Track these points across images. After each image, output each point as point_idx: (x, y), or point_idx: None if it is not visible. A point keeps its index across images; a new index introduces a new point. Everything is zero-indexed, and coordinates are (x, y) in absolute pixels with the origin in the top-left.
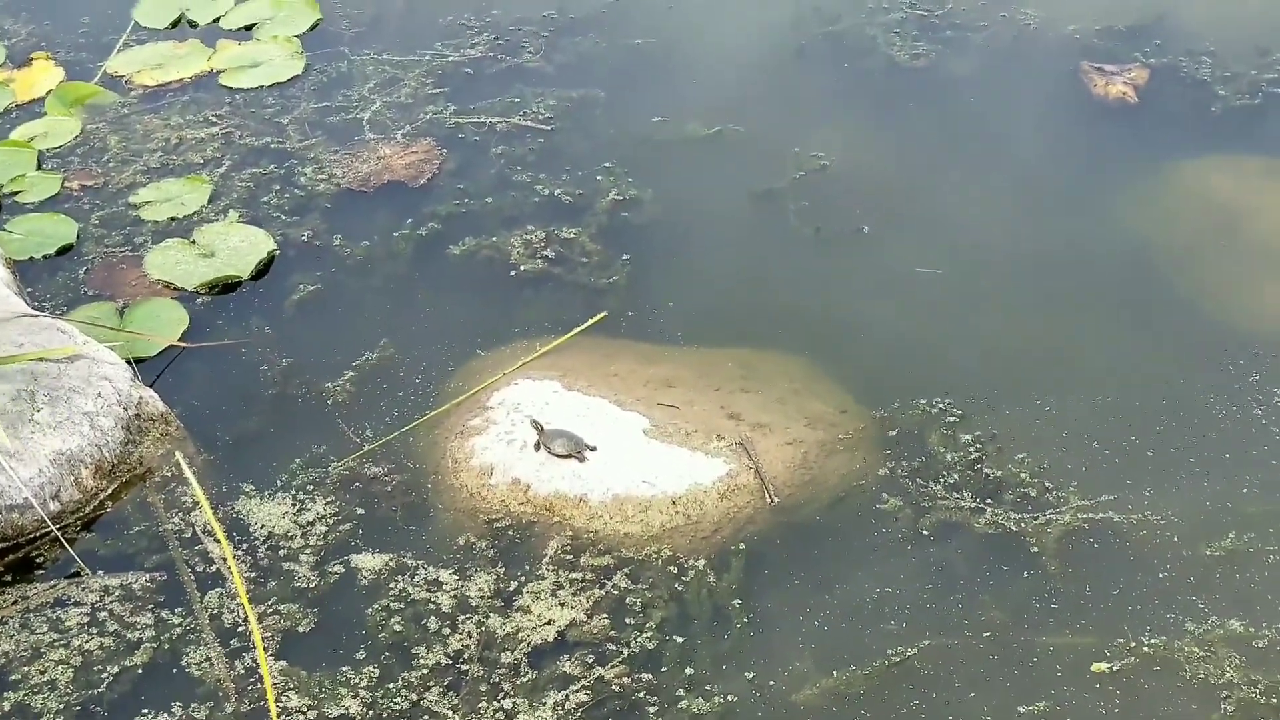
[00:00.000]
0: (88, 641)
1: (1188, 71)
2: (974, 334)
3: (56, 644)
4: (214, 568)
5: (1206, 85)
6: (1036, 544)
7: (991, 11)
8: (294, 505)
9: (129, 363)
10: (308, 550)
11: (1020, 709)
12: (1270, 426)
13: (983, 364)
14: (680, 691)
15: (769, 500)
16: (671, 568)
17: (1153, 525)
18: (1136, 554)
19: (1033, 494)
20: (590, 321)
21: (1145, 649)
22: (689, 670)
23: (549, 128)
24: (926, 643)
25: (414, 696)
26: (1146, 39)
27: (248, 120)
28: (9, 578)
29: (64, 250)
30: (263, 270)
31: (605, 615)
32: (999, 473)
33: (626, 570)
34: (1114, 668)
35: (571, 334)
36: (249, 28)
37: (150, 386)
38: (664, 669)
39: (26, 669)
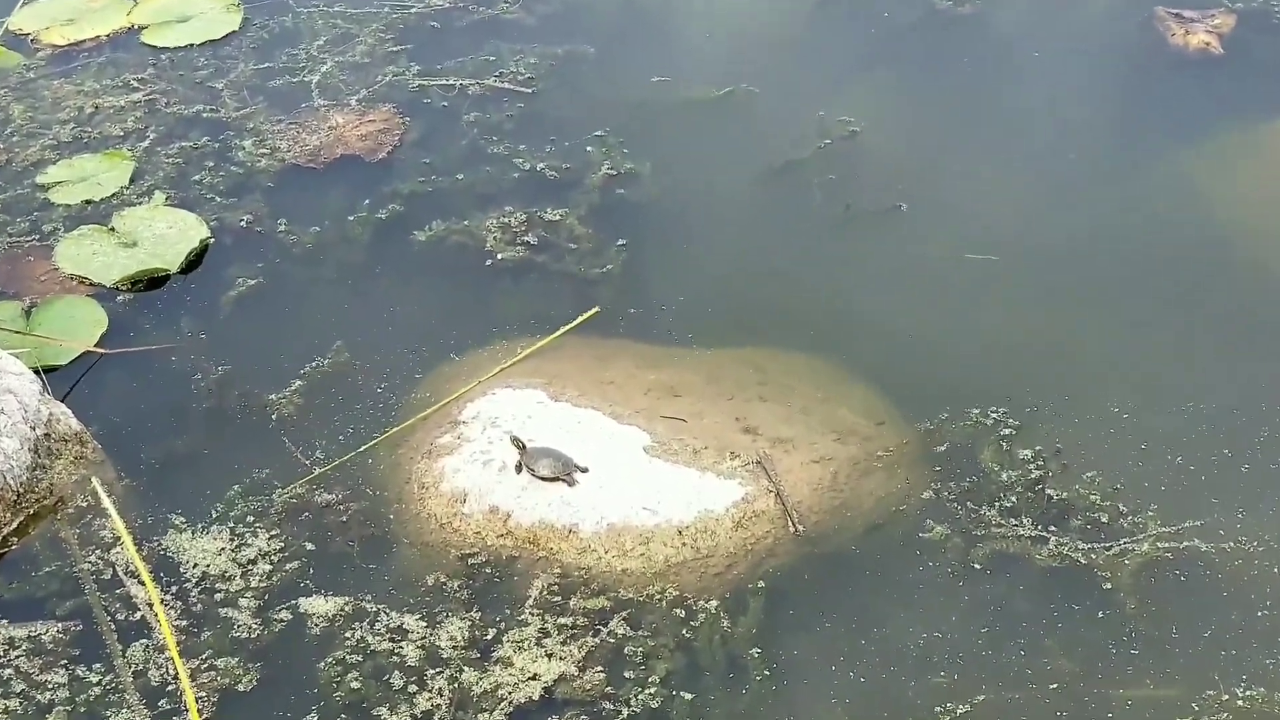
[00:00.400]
0: None
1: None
2: (1033, 331)
3: None
4: (139, 615)
5: None
6: (1110, 579)
7: None
8: (232, 540)
9: (37, 372)
10: (249, 593)
11: None
12: None
13: (1044, 366)
14: None
15: (793, 529)
16: (678, 610)
17: (1248, 555)
18: (1229, 589)
19: (1105, 520)
20: (580, 319)
21: (1240, 703)
22: None
23: (530, 90)
24: (982, 698)
25: None
26: None
27: (175, 85)
28: None
29: None
30: (194, 262)
31: (600, 668)
32: (1064, 494)
33: (625, 614)
34: (1208, 717)
35: (559, 333)
36: None
37: (63, 400)
38: None
39: None
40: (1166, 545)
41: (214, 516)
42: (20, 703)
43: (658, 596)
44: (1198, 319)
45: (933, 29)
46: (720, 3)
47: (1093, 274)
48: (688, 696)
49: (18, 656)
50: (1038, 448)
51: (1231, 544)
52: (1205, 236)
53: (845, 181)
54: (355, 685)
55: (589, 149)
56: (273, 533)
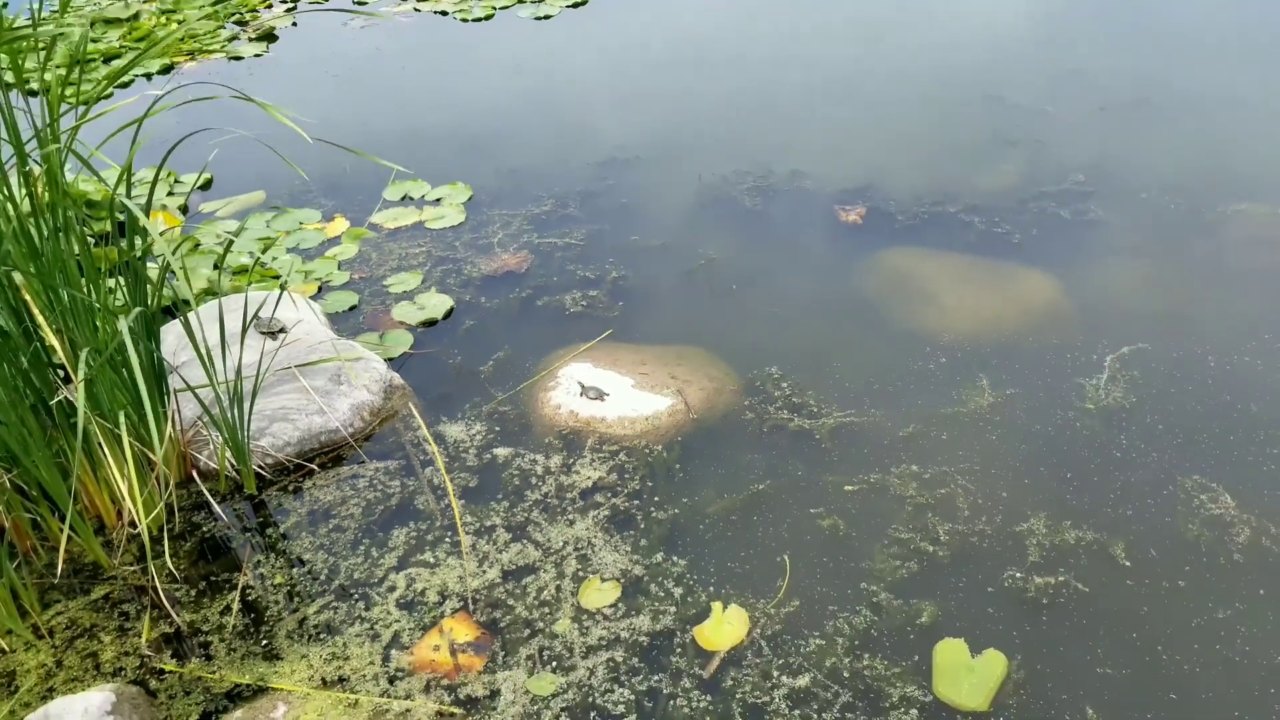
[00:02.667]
0: (368, 494)
1: (884, 208)
2: (796, 337)
3: (352, 496)
4: (428, 458)
5: (893, 215)
6: (819, 434)
7: (791, 181)
8: (466, 427)
9: (386, 361)
10: (473, 448)
11: (811, 510)
12: (937, 372)
13: (795, 353)
14: (652, 509)
15: (692, 416)
16: (646, 450)
17: (876, 422)
18: (867, 437)
19: (815, 408)
20: (603, 335)
21: (871, 480)
22: (656, 498)
23: (582, 243)
24: (768, 482)
25: (524, 515)
26: (865, 193)
27: (438, 244)
28: (329, 466)
29: (352, 308)
30: (448, 315)
31: (615, 474)
32: (799, 400)
33: (624, 452)
34: (856, 489)
35: (594, 342)
36: (438, 200)
37: (396, 372)
38: (644, 498)
39: (340, 508)
40: (844, 419)
41: (458, 417)
42: (381, 493)
43: (639, 444)
44: (858, 336)
45: (743, 215)
46: (658, 207)
47: (812, 317)
48: (650, 484)
49: (379, 475)
50: (789, 382)
51: (868, 418)
52: (856, 303)
53: (710, 278)
54: (516, 483)
55: (606, 265)
56: (481, 424)
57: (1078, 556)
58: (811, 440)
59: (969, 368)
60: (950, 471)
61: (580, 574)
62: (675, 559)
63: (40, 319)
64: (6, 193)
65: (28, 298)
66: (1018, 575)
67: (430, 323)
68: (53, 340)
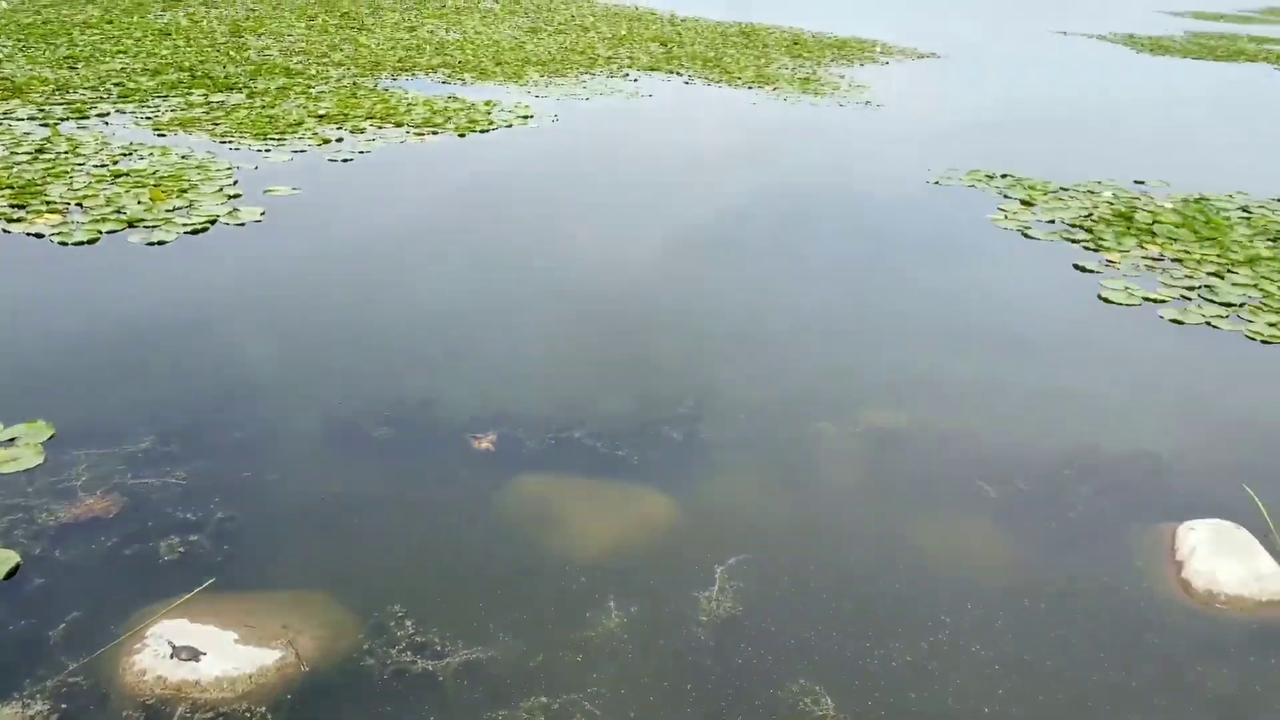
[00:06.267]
0: None
1: (515, 434)
2: (419, 574)
3: None
4: None
5: (523, 440)
6: (442, 675)
7: (422, 411)
8: (23, 709)
9: None
10: None
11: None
12: (568, 596)
13: (422, 589)
14: None
15: (303, 669)
16: (248, 713)
17: (505, 655)
18: (494, 671)
19: (441, 648)
20: (204, 585)
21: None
22: None
23: (184, 483)
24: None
25: None
26: (496, 421)
27: (6, 491)
28: None
29: None
30: (11, 574)
31: None
32: (423, 639)
33: (223, 718)
34: None
35: (193, 593)
36: (11, 441)
37: None
38: None
39: None
40: (470, 655)
41: (13, 698)
42: None
43: (239, 708)
44: (500, 567)
45: (370, 443)
46: (278, 445)
47: (443, 549)
48: None
49: None
50: (414, 620)
51: (499, 648)
52: (496, 533)
53: (334, 516)
54: None
55: (211, 506)
56: (44, 702)
57: None
58: (435, 682)
59: (597, 590)
60: (578, 698)
61: None
62: None
63: None
64: None
65: None
66: None
67: None
68: None
